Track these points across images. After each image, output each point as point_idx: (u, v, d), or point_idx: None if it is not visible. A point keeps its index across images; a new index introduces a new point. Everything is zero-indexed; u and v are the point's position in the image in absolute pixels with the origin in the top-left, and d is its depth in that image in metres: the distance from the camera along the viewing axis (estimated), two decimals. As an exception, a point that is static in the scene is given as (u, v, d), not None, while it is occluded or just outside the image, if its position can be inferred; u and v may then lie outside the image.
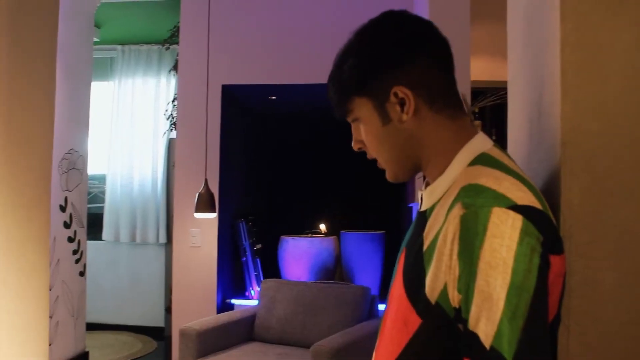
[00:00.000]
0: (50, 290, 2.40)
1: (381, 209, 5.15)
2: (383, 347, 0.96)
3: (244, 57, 4.29)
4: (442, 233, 0.85)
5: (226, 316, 3.80)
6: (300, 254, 4.35)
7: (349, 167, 5.19)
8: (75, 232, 4.16)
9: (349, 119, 1.02)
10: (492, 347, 0.76)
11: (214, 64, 4.00)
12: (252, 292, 4.52)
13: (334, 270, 4.47)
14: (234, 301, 4.46)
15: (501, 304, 0.76)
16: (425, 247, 0.89)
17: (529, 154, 1.17)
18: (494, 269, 0.77)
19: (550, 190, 0.99)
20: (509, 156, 0.95)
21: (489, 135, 0.99)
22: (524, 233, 0.78)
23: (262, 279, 4.55)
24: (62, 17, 2.04)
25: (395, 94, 0.93)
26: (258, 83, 4.29)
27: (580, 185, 0.94)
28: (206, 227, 4.27)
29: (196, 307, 4.21)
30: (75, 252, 4.17)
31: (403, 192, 4.62)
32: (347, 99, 0.99)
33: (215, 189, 4.14)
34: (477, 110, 4.00)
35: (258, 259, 4.68)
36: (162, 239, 5.71)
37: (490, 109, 4.14)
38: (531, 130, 1.15)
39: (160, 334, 5.50)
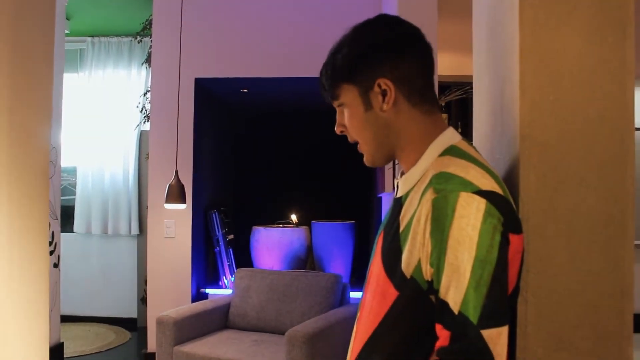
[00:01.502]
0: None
1: (351, 200, 5.26)
2: (364, 317, 1.08)
3: (217, 51, 4.35)
4: (416, 215, 0.97)
5: (202, 305, 3.88)
6: (272, 244, 4.44)
7: (320, 158, 5.31)
8: (49, 224, 4.17)
9: (336, 104, 1.13)
10: (460, 312, 0.89)
11: (186, 57, 4.06)
12: (226, 281, 4.60)
13: (306, 260, 4.57)
14: (208, 290, 4.53)
15: (467, 275, 0.88)
16: (401, 228, 1.01)
17: (492, 146, 1.29)
18: (461, 244, 0.89)
19: (510, 178, 1.11)
20: (474, 148, 1.07)
21: (455, 128, 1.11)
22: (487, 214, 0.91)
23: (235, 268, 4.63)
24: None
25: (379, 85, 1.05)
26: (230, 76, 4.35)
27: (536, 173, 1.06)
28: (180, 218, 4.33)
29: (171, 297, 4.28)
30: (49, 243, 4.19)
31: (372, 183, 4.75)
32: (337, 85, 1.10)
33: (188, 181, 4.21)
34: (443, 104, 4.14)
35: (231, 249, 4.76)
36: (134, 230, 5.73)
37: (456, 103, 4.28)
38: (494, 125, 1.28)
39: (133, 325, 5.53)
